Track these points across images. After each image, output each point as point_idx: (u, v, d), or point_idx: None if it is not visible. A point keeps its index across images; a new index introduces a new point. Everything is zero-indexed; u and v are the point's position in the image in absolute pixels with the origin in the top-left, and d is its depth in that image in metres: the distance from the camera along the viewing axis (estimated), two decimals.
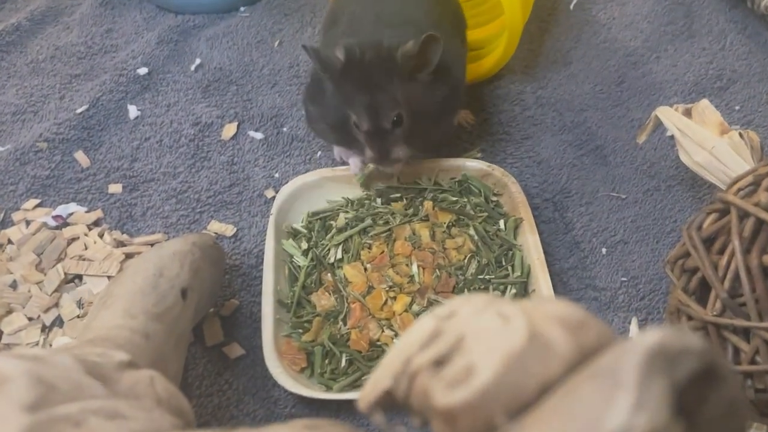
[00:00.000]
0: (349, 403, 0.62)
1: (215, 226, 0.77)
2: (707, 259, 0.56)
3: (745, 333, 0.55)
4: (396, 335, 0.65)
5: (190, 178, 0.82)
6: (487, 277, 0.69)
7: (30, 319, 0.68)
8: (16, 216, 0.78)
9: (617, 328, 0.68)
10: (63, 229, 0.76)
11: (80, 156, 0.85)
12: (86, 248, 0.74)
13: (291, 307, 0.68)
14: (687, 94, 0.90)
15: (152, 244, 0.74)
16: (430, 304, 0.67)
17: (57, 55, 0.99)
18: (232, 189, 0.81)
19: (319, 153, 0.85)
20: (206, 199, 0.80)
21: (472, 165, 0.78)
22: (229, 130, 0.87)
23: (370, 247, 0.72)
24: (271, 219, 0.73)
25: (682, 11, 1.02)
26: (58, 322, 0.68)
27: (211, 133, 0.87)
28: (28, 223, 0.77)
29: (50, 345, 0.67)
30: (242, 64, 0.97)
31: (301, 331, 0.66)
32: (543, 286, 0.66)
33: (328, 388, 0.62)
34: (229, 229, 0.77)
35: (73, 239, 0.75)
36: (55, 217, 0.77)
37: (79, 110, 0.89)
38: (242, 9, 1.06)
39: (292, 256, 0.72)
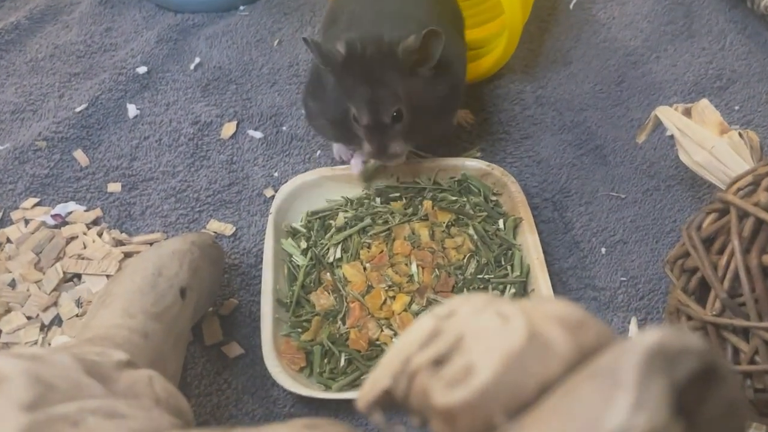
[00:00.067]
0: (348, 403, 0.62)
1: (214, 225, 0.77)
2: (707, 259, 0.56)
3: (745, 333, 0.55)
4: (395, 335, 0.65)
5: (190, 177, 0.82)
6: (486, 276, 0.69)
7: (29, 318, 0.68)
8: (15, 215, 0.78)
9: (616, 328, 0.68)
10: (62, 228, 0.76)
11: (79, 155, 0.85)
12: (85, 247, 0.74)
13: (290, 307, 0.67)
14: (687, 94, 0.90)
15: (151, 243, 0.74)
16: (429, 303, 0.67)
17: (56, 54, 0.99)
18: (231, 188, 0.81)
19: (319, 152, 0.85)
20: (205, 198, 0.80)
21: (472, 164, 0.78)
22: (229, 129, 0.87)
23: (369, 247, 0.72)
24: (271, 218, 0.73)
25: (682, 11, 1.02)
26: (57, 321, 0.68)
27: (211, 132, 0.87)
28: (27, 221, 0.77)
29: (49, 344, 0.67)
30: (242, 63, 0.97)
31: (300, 330, 0.66)
32: (542, 285, 0.66)
33: (327, 388, 0.62)
34: (228, 228, 0.77)
35: (72, 238, 0.75)
36: (54, 216, 0.77)
37: (78, 109, 0.89)
38: (242, 8, 1.06)
39: (291, 256, 0.72)
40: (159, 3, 1.06)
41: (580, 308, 0.25)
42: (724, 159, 0.63)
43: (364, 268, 0.70)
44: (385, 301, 0.67)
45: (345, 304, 0.67)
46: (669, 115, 0.68)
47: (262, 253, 0.71)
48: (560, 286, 0.71)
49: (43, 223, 0.76)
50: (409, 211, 0.75)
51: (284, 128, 0.88)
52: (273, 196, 0.77)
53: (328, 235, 0.73)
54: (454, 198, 0.76)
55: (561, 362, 0.22)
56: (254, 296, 0.70)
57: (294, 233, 0.74)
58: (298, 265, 0.71)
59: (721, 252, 0.57)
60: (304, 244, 0.72)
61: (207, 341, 0.67)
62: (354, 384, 0.63)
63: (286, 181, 0.77)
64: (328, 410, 0.63)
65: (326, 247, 0.72)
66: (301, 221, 0.75)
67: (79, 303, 0.69)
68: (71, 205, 0.79)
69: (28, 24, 1.04)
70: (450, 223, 0.73)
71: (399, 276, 0.69)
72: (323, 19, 0.86)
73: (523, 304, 0.26)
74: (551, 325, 0.24)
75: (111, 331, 0.50)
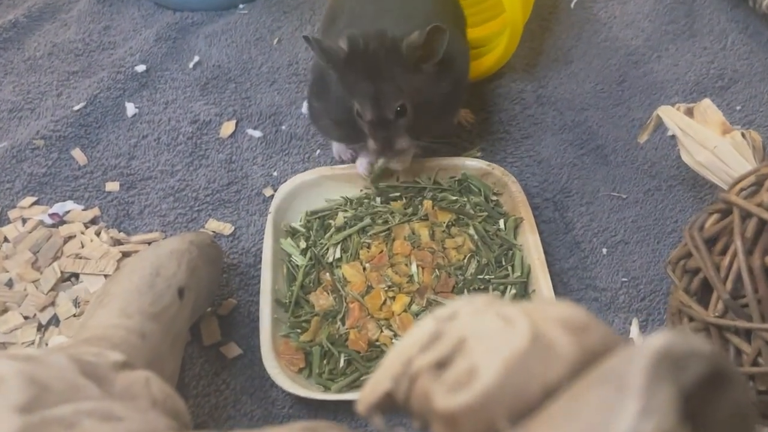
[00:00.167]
0: (348, 404, 0.62)
1: (213, 225, 0.77)
2: (709, 260, 0.56)
3: (747, 334, 0.54)
4: (395, 335, 0.65)
5: (188, 176, 0.82)
6: (486, 277, 0.69)
7: (26, 317, 0.68)
8: (13, 214, 0.77)
9: (618, 329, 0.68)
10: (59, 227, 0.75)
11: (77, 153, 0.84)
12: (83, 246, 0.73)
13: (289, 307, 0.67)
14: (688, 94, 0.90)
15: (149, 243, 0.74)
16: (430, 304, 0.67)
17: (54, 52, 0.99)
18: (230, 187, 0.80)
19: (318, 151, 0.84)
20: (204, 198, 0.79)
21: (472, 164, 0.77)
22: (228, 128, 0.87)
23: (369, 247, 0.71)
24: (270, 218, 0.73)
25: (684, 10, 1.02)
26: (54, 321, 0.68)
27: (210, 131, 0.87)
28: (24, 220, 0.77)
29: (46, 344, 0.66)
30: (241, 61, 0.96)
31: (299, 330, 0.65)
32: (543, 286, 0.66)
33: (327, 389, 0.62)
34: (227, 228, 0.76)
35: (70, 237, 0.74)
36: (52, 215, 0.77)
37: (76, 107, 0.89)
38: (241, 6, 1.05)
39: (290, 255, 0.71)
40: (158, 1, 1.05)
41: (584, 310, 0.25)
42: (727, 159, 0.63)
43: (364, 269, 0.69)
44: (384, 302, 0.67)
45: (344, 304, 0.67)
46: (671, 115, 0.68)
47: (261, 252, 0.70)
48: (561, 286, 0.70)
49: (41, 222, 0.76)
50: (409, 210, 0.74)
51: (283, 127, 0.87)
52: (272, 196, 0.76)
53: (328, 234, 0.73)
54: (454, 198, 0.75)
55: (565, 365, 0.22)
56: (253, 296, 0.70)
57: (293, 233, 0.74)
58: (297, 265, 0.70)
59: (723, 253, 0.56)
60: (303, 244, 0.72)
61: (205, 341, 0.67)
62: (353, 385, 0.62)
63: (285, 181, 0.77)
64: (327, 411, 0.62)
65: (325, 247, 0.71)
66: (301, 221, 0.75)
67: (76, 303, 0.69)
68: (69, 204, 0.78)
69: (26, 22, 1.03)
70: (450, 223, 0.73)
71: (399, 276, 0.68)
72: (323, 18, 0.85)
73: (526, 306, 0.25)
74: (555, 327, 0.23)
75: (108, 331, 0.49)
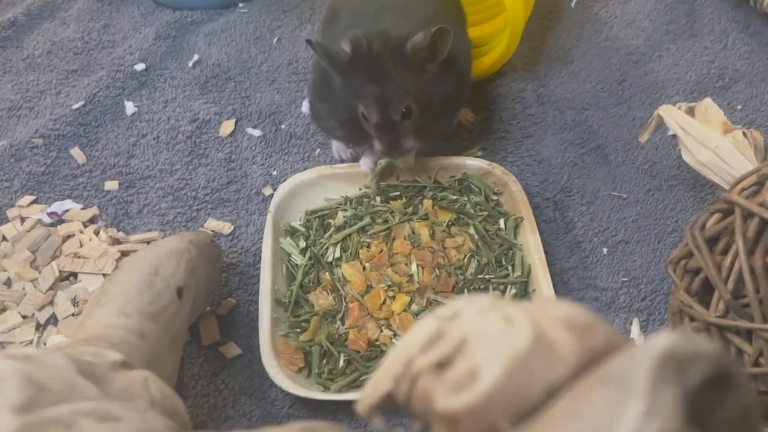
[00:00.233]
0: (347, 404, 0.61)
1: (212, 224, 0.76)
2: (710, 260, 0.56)
3: (748, 335, 0.54)
4: (395, 335, 0.65)
5: (187, 175, 0.81)
6: (487, 276, 0.68)
7: (24, 317, 0.67)
8: (11, 213, 0.77)
9: (618, 329, 0.67)
10: (58, 226, 0.75)
11: (76, 152, 0.84)
12: (81, 246, 0.73)
13: (288, 307, 0.67)
14: (689, 93, 0.90)
15: (148, 242, 0.73)
16: (430, 303, 0.66)
17: (53, 51, 0.98)
18: (229, 186, 0.80)
19: (318, 150, 0.84)
20: (203, 197, 0.79)
21: (473, 163, 0.77)
22: (227, 127, 0.87)
23: (368, 246, 0.71)
24: (269, 217, 0.72)
25: (684, 10, 1.01)
26: (53, 320, 0.68)
27: (209, 130, 0.87)
28: (22, 219, 0.76)
29: (44, 343, 0.66)
30: (240, 60, 0.96)
31: (298, 330, 0.65)
32: (543, 286, 0.66)
33: (326, 389, 0.62)
34: (226, 227, 0.76)
35: (69, 236, 0.74)
36: (50, 214, 0.76)
37: (75, 106, 0.88)
38: (240, 5, 1.05)
39: (289, 255, 0.71)
40: (157, 0, 1.05)
41: (587, 310, 0.24)
42: (728, 158, 0.63)
43: (364, 268, 0.69)
44: (384, 301, 0.67)
45: (344, 304, 0.67)
46: (672, 115, 0.68)
47: (261, 252, 0.70)
48: (561, 286, 0.70)
49: (39, 221, 0.76)
50: (409, 210, 0.74)
51: (283, 126, 0.87)
52: (272, 195, 0.76)
53: (327, 234, 0.72)
54: (454, 197, 0.75)
55: (568, 366, 0.22)
56: (252, 296, 0.69)
57: (293, 232, 0.73)
58: (296, 265, 0.70)
59: (724, 252, 0.56)
60: (302, 244, 0.72)
61: (204, 341, 0.66)
62: (353, 385, 0.62)
63: (284, 180, 0.76)
64: (326, 411, 0.62)
65: (325, 247, 0.71)
66: (300, 220, 0.74)
67: (75, 302, 0.68)
68: (68, 203, 0.78)
69: (25, 20, 1.03)
70: (450, 223, 0.73)
71: (399, 276, 0.68)
72: (322, 17, 0.85)
73: (529, 306, 0.25)
74: (557, 327, 0.23)
75: (106, 330, 0.49)
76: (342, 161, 0.81)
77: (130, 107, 0.89)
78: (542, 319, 0.24)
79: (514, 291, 0.67)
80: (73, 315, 0.67)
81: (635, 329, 0.67)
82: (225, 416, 0.62)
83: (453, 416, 0.22)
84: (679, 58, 0.94)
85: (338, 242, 0.71)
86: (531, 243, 0.69)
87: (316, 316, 0.66)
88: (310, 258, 0.70)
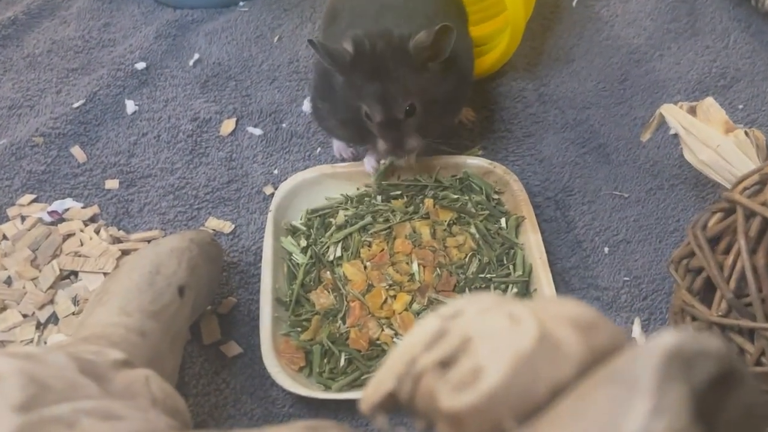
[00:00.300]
0: (348, 403, 0.61)
1: (213, 223, 0.76)
2: (712, 259, 0.56)
3: (750, 334, 0.54)
4: (396, 334, 0.65)
5: (188, 174, 0.81)
6: (488, 276, 0.68)
7: (24, 315, 0.67)
8: (11, 211, 0.77)
9: None
10: (58, 225, 0.75)
11: (77, 151, 0.84)
12: (82, 244, 0.73)
13: (289, 306, 0.67)
14: (690, 93, 0.89)
15: (149, 241, 0.73)
16: (431, 303, 0.66)
17: (54, 49, 0.98)
18: (230, 185, 0.80)
19: (319, 149, 0.84)
20: (204, 196, 0.79)
21: (474, 162, 0.77)
22: (228, 125, 0.86)
23: (369, 245, 0.71)
24: (270, 216, 0.72)
25: (686, 9, 1.01)
26: (53, 319, 0.68)
27: (210, 128, 0.87)
28: (23, 218, 0.76)
29: (45, 342, 0.66)
30: (241, 59, 0.96)
31: (299, 329, 0.65)
32: (545, 285, 0.66)
33: (327, 388, 0.61)
34: (227, 226, 0.76)
35: (69, 235, 0.74)
36: (51, 213, 0.76)
37: (75, 105, 0.88)
38: (241, 4, 1.05)
39: (290, 254, 0.71)
40: None
41: (592, 309, 0.24)
42: (730, 158, 0.63)
43: (365, 267, 0.69)
44: (385, 300, 0.66)
45: (345, 303, 0.67)
46: (674, 114, 0.68)
47: (262, 251, 0.70)
48: (563, 285, 0.70)
49: (40, 220, 0.76)
50: (410, 209, 0.74)
51: (284, 125, 0.87)
52: (272, 194, 0.76)
53: (328, 233, 0.72)
54: (455, 196, 0.75)
55: (573, 364, 0.22)
56: (253, 295, 0.69)
57: (294, 231, 0.73)
58: (297, 264, 0.70)
59: (726, 252, 0.56)
60: (303, 243, 0.72)
61: (205, 340, 0.66)
62: (354, 384, 0.62)
63: (285, 179, 0.76)
64: (327, 410, 0.62)
65: (326, 246, 0.71)
66: (301, 219, 0.74)
67: (75, 301, 0.68)
68: (68, 202, 0.78)
69: (25, 19, 1.03)
70: (451, 222, 0.73)
71: (400, 275, 0.68)
72: (323, 16, 0.85)
73: (533, 305, 0.25)
74: (562, 326, 0.23)
75: (107, 329, 0.49)
76: (343, 160, 0.81)
77: (130, 106, 0.89)
78: (547, 318, 0.23)
79: (515, 290, 0.67)
80: (73, 314, 0.67)
81: (636, 329, 0.67)
82: (226, 415, 0.62)
83: (457, 415, 0.22)
84: (681, 58, 0.94)
85: (339, 241, 0.71)
86: (532, 242, 0.69)
87: (317, 315, 0.66)
88: (311, 257, 0.70)
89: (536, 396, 0.21)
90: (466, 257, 0.70)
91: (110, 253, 0.71)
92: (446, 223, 0.72)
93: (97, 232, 0.74)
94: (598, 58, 0.95)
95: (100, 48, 0.99)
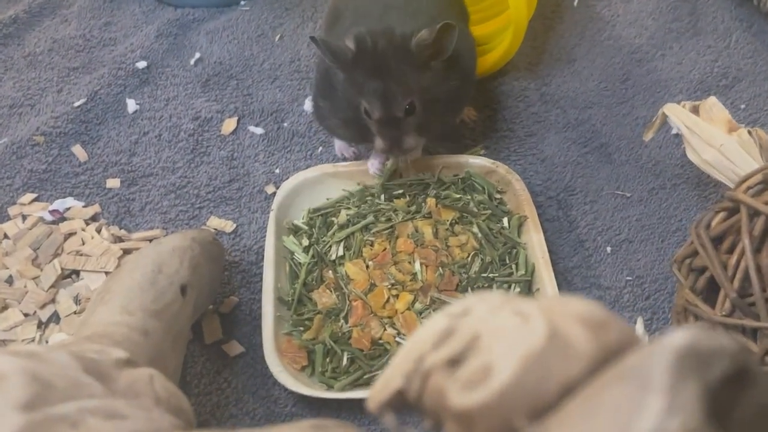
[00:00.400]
0: (351, 402, 0.61)
1: (215, 222, 0.76)
2: (716, 258, 0.55)
3: (754, 333, 0.54)
4: (398, 333, 0.64)
5: (190, 173, 0.81)
6: (490, 275, 0.68)
7: (26, 315, 0.67)
8: (13, 210, 0.77)
9: None
10: (60, 224, 0.75)
11: (78, 150, 0.84)
12: (83, 243, 0.73)
13: (291, 305, 0.66)
14: (692, 92, 0.89)
15: (150, 240, 0.73)
16: (433, 302, 0.66)
17: (55, 48, 0.98)
18: (231, 184, 0.80)
19: (321, 149, 0.84)
20: (205, 195, 0.79)
21: (476, 162, 0.77)
22: (229, 125, 0.86)
23: (372, 245, 0.71)
24: (272, 215, 0.72)
25: (687, 8, 1.01)
26: (55, 318, 0.67)
27: (211, 127, 0.86)
28: (24, 217, 0.76)
29: (46, 341, 0.66)
30: (242, 58, 0.95)
31: (301, 329, 0.65)
32: (547, 284, 0.66)
33: (329, 387, 0.61)
34: (228, 225, 0.76)
35: (70, 234, 0.74)
36: (52, 212, 0.76)
37: (76, 104, 0.88)
38: (242, 3, 1.05)
39: (292, 253, 0.71)
40: None
41: (601, 306, 0.24)
42: (733, 157, 0.63)
43: (367, 266, 0.69)
44: (388, 300, 0.66)
45: (347, 302, 0.66)
46: (677, 113, 0.68)
47: (263, 250, 0.70)
48: (565, 285, 0.70)
49: (41, 219, 0.75)
50: (413, 208, 0.74)
51: (285, 124, 0.87)
52: (274, 193, 0.76)
53: (330, 232, 0.72)
54: (457, 196, 0.75)
55: (583, 363, 0.21)
56: (255, 294, 0.69)
57: (296, 230, 0.73)
58: (299, 263, 0.70)
59: (730, 251, 0.56)
60: (305, 242, 0.71)
61: (207, 339, 0.66)
62: (356, 383, 0.62)
63: (287, 178, 0.76)
64: (329, 410, 0.62)
65: (328, 245, 0.71)
66: (303, 218, 0.74)
67: (77, 300, 0.68)
68: (69, 201, 0.78)
69: (26, 18, 1.02)
70: (454, 221, 0.72)
71: (402, 274, 0.68)
72: (325, 15, 0.85)
73: (541, 303, 0.25)
74: (572, 324, 0.23)
75: (110, 328, 0.49)
76: (345, 159, 0.81)
77: (131, 105, 0.89)
78: (556, 316, 0.23)
79: (518, 290, 0.67)
80: (75, 313, 0.67)
81: (639, 328, 0.67)
82: (228, 414, 0.62)
83: (467, 413, 0.22)
84: (683, 57, 0.94)
85: (341, 240, 0.71)
86: (535, 242, 0.69)
87: (320, 314, 0.66)
88: (313, 256, 0.70)
89: (547, 394, 0.21)
90: (468, 257, 0.70)
91: (112, 252, 0.71)
92: (448, 223, 0.72)
93: (99, 231, 0.74)
94: (599, 57, 0.95)
95: (101, 47, 0.98)
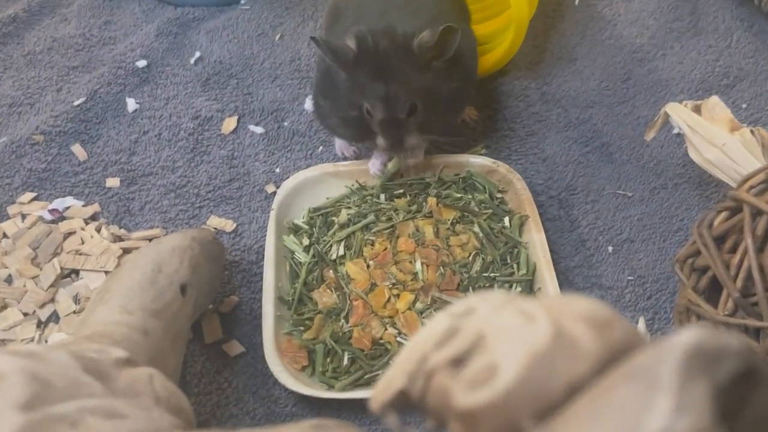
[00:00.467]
0: (351, 402, 0.61)
1: (215, 222, 0.76)
2: (719, 258, 0.55)
3: (756, 333, 0.54)
4: (399, 333, 0.64)
5: (190, 172, 0.81)
6: (492, 275, 0.68)
7: (25, 314, 0.67)
8: (12, 209, 0.76)
9: None
10: (59, 223, 0.74)
11: (77, 149, 0.83)
12: (83, 243, 0.72)
13: (292, 305, 0.66)
14: (693, 92, 0.89)
15: (150, 239, 0.73)
16: (434, 302, 0.66)
17: (54, 47, 0.98)
18: (231, 184, 0.80)
19: (321, 148, 0.84)
20: (205, 194, 0.79)
21: (477, 161, 0.77)
22: (229, 124, 0.86)
23: (372, 244, 0.70)
24: (272, 214, 0.72)
25: (688, 8, 1.01)
26: (54, 317, 0.67)
27: (211, 127, 0.86)
28: (23, 216, 0.76)
29: (46, 341, 0.65)
30: (243, 57, 0.95)
31: (302, 328, 0.65)
32: (549, 284, 0.65)
33: (330, 387, 0.61)
34: (228, 225, 0.75)
35: (70, 233, 0.73)
36: (52, 211, 0.76)
37: (76, 103, 0.88)
38: (243, 2, 1.05)
39: (293, 253, 0.71)
40: None
41: (606, 306, 0.24)
42: (736, 157, 0.62)
43: (368, 266, 0.69)
44: (388, 299, 0.66)
45: (348, 302, 0.66)
46: (679, 112, 0.67)
47: (264, 249, 0.69)
48: (567, 284, 0.70)
49: (41, 218, 0.75)
50: (414, 208, 0.73)
51: (286, 124, 0.86)
52: (274, 192, 0.76)
53: (331, 231, 0.72)
54: (458, 195, 0.75)
55: (589, 362, 0.21)
56: (255, 293, 0.69)
57: (296, 230, 0.73)
58: (300, 262, 0.70)
59: (732, 251, 0.56)
60: (306, 241, 0.71)
61: (207, 339, 0.66)
62: (357, 383, 0.61)
63: (287, 177, 0.76)
64: (330, 410, 0.62)
65: (329, 244, 0.71)
66: (303, 218, 0.74)
67: (76, 299, 0.68)
68: (69, 200, 0.77)
69: (26, 17, 1.02)
70: (455, 221, 0.72)
71: (403, 274, 0.68)
72: (325, 15, 0.85)
73: (546, 302, 0.24)
74: (577, 323, 0.22)
75: (109, 327, 0.49)
76: (345, 159, 0.80)
77: (131, 104, 0.89)
78: (561, 315, 0.23)
79: (519, 289, 0.67)
80: (74, 312, 0.67)
81: (641, 328, 0.67)
82: (228, 414, 0.62)
83: (472, 413, 0.22)
84: (684, 57, 0.94)
85: (342, 240, 0.71)
86: (536, 241, 0.69)
87: (320, 314, 0.65)
88: (313, 256, 0.70)
89: (552, 394, 0.21)
90: (469, 256, 0.69)
91: (111, 252, 0.70)
92: (449, 222, 0.72)
93: (98, 230, 0.74)
94: (600, 57, 0.95)
95: (100, 46, 0.98)
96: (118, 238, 0.73)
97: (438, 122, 0.71)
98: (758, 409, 0.21)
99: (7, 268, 0.70)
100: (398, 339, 0.64)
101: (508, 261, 0.69)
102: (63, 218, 0.75)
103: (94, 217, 0.76)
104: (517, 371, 0.21)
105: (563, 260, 0.72)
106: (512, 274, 0.68)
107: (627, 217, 0.76)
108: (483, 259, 0.69)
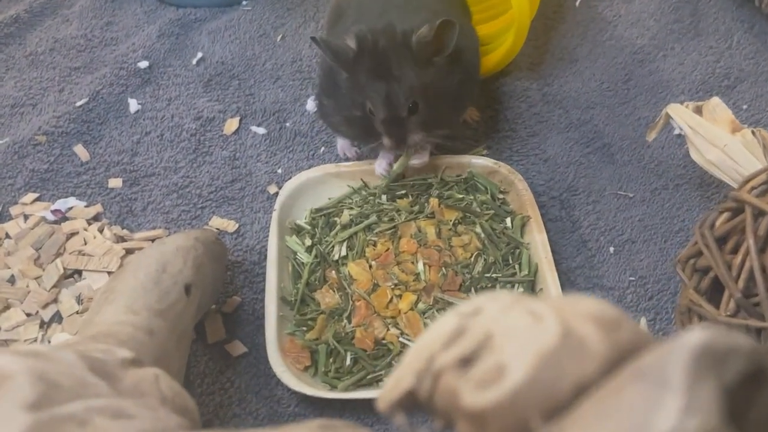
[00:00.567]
0: (354, 403, 0.61)
1: (217, 222, 0.76)
2: (720, 259, 0.55)
3: (758, 334, 0.54)
4: (401, 334, 0.64)
5: (192, 173, 0.81)
6: (493, 275, 0.68)
7: (28, 314, 0.67)
8: (14, 210, 0.77)
9: None
10: (62, 224, 0.74)
11: (80, 150, 0.83)
12: (86, 243, 0.72)
13: (294, 305, 0.66)
14: (694, 93, 0.89)
15: (153, 240, 0.73)
16: (436, 302, 0.66)
17: (56, 48, 0.98)
18: (234, 184, 0.80)
19: (323, 149, 0.84)
20: (208, 195, 0.79)
21: (478, 162, 0.77)
22: (231, 124, 0.86)
23: (375, 245, 0.71)
24: (275, 215, 0.72)
25: (689, 9, 1.01)
26: (57, 318, 0.67)
27: (213, 127, 0.86)
28: (26, 217, 0.76)
29: (49, 341, 0.65)
30: (244, 58, 0.95)
31: (304, 328, 0.65)
32: (550, 285, 0.66)
33: (333, 387, 0.61)
34: (231, 225, 0.76)
35: (73, 234, 0.73)
36: (54, 212, 0.76)
37: (78, 103, 0.88)
38: (244, 2, 1.05)
39: (295, 253, 0.71)
40: None
41: (614, 306, 0.24)
42: (737, 157, 0.63)
43: (370, 266, 0.69)
44: (391, 300, 0.66)
45: (350, 302, 0.66)
46: (680, 113, 0.68)
47: (266, 250, 0.69)
48: (568, 285, 0.70)
49: (43, 219, 0.75)
50: (416, 208, 0.73)
51: (288, 124, 0.87)
52: (276, 193, 0.76)
53: (333, 232, 0.72)
54: (460, 196, 0.75)
55: (598, 362, 0.21)
56: (258, 294, 0.69)
57: (298, 230, 0.73)
58: (302, 263, 0.70)
59: (734, 251, 0.56)
60: (308, 242, 0.71)
61: (210, 339, 0.66)
62: (360, 383, 0.62)
63: (289, 178, 0.76)
64: (332, 410, 0.62)
65: (331, 245, 0.71)
66: (306, 218, 0.74)
67: (79, 300, 0.68)
68: (71, 201, 0.77)
69: (27, 17, 1.02)
70: (457, 221, 0.72)
71: (405, 274, 0.68)
72: (327, 15, 0.85)
73: (553, 302, 0.25)
74: (585, 323, 0.23)
75: (114, 327, 0.49)
76: (347, 159, 0.80)
77: (133, 105, 0.89)
78: (568, 315, 0.23)
79: (521, 290, 0.67)
80: (77, 313, 0.67)
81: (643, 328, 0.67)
82: (231, 414, 0.62)
83: (481, 413, 0.22)
84: (684, 58, 0.94)
85: (344, 240, 0.71)
86: (538, 242, 0.69)
87: (323, 314, 0.66)
88: (316, 256, 0.70)
89: (561, 394, 0.21)
90: (471, 257, 0.69)
91: (114, 252, 0.70)
92: (451, 223, 0.72)
93: (101, 230, 0.74)
94: (601, 58, 0.95)
95: (102, 47, 0.98)
96: (120, 239, 0.73)
97: (440, 119, 0.71)
98: (765, 409, 0.21)
99: (9, 268, 0.70)
100: (401, 339, 0.64)
101: (510, 262, 0.69)
102: (65, 219, 0.76)
103: (96, 218, 0.76)
104: (525, 371, 0.21)
105: (565, 261, 0.72)
106: (514, 274, 0.68)
107: (628, 218, 0.76)
108: (485, 259, 0.69)
